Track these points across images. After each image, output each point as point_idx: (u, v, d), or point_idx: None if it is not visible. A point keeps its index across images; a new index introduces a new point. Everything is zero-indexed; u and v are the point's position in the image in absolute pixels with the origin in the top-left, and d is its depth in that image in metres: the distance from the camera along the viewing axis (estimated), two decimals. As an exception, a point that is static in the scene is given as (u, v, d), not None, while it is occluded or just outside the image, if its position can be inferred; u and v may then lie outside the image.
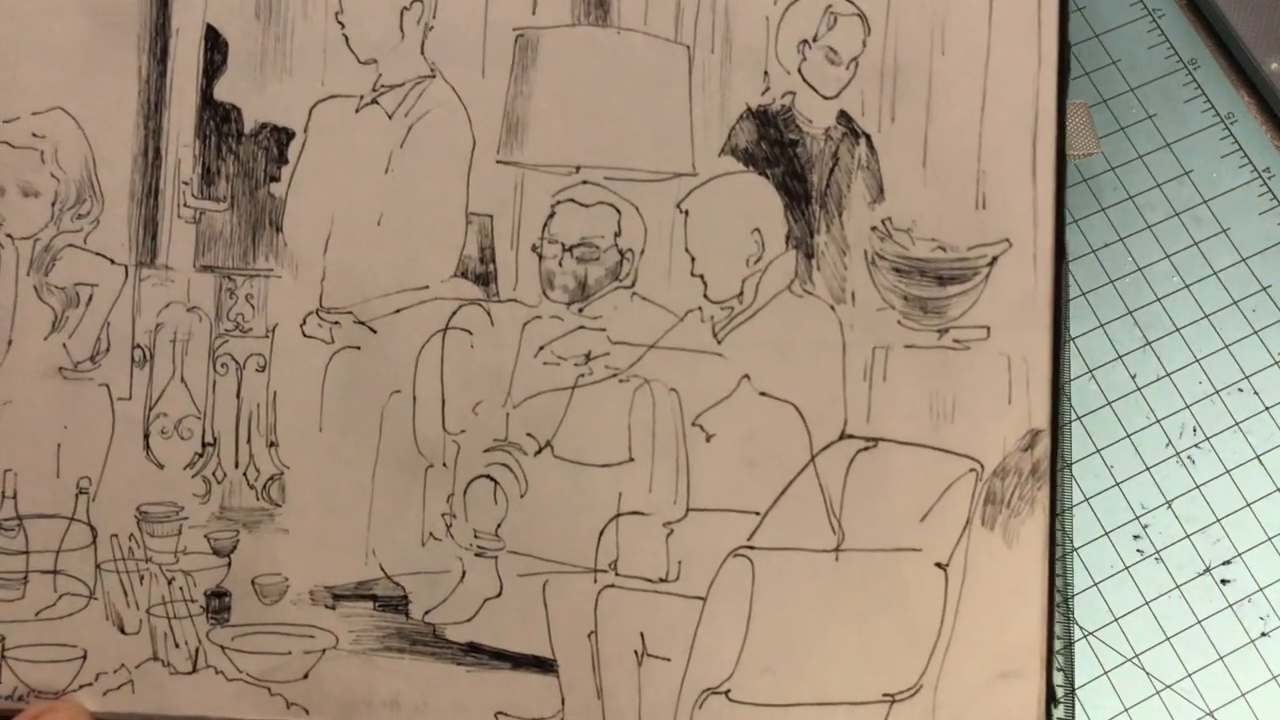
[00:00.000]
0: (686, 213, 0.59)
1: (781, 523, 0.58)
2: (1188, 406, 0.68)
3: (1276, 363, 0.68)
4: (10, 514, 0.58)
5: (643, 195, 0.59)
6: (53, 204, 0.59)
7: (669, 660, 0.58)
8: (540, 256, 0.59)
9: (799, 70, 0.59)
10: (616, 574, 0.58)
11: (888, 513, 0.58)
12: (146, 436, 0.59)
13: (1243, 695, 0.64)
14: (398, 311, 0.59)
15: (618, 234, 0.59)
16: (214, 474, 0.59)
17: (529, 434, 0.59)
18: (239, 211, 0.59)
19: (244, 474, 0.59)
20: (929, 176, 0.59)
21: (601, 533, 0.58)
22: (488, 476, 0.58)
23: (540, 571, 0.58)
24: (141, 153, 0.59)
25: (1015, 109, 0.59)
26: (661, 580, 0.58)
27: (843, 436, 0.58)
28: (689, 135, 0.59)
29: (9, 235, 0.59)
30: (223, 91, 0.59)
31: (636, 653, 0.58)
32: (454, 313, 0.59)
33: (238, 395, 0.59)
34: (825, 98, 0.59)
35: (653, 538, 0.58)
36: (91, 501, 0.59)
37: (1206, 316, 0.69)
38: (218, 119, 0.59)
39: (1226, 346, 0.68)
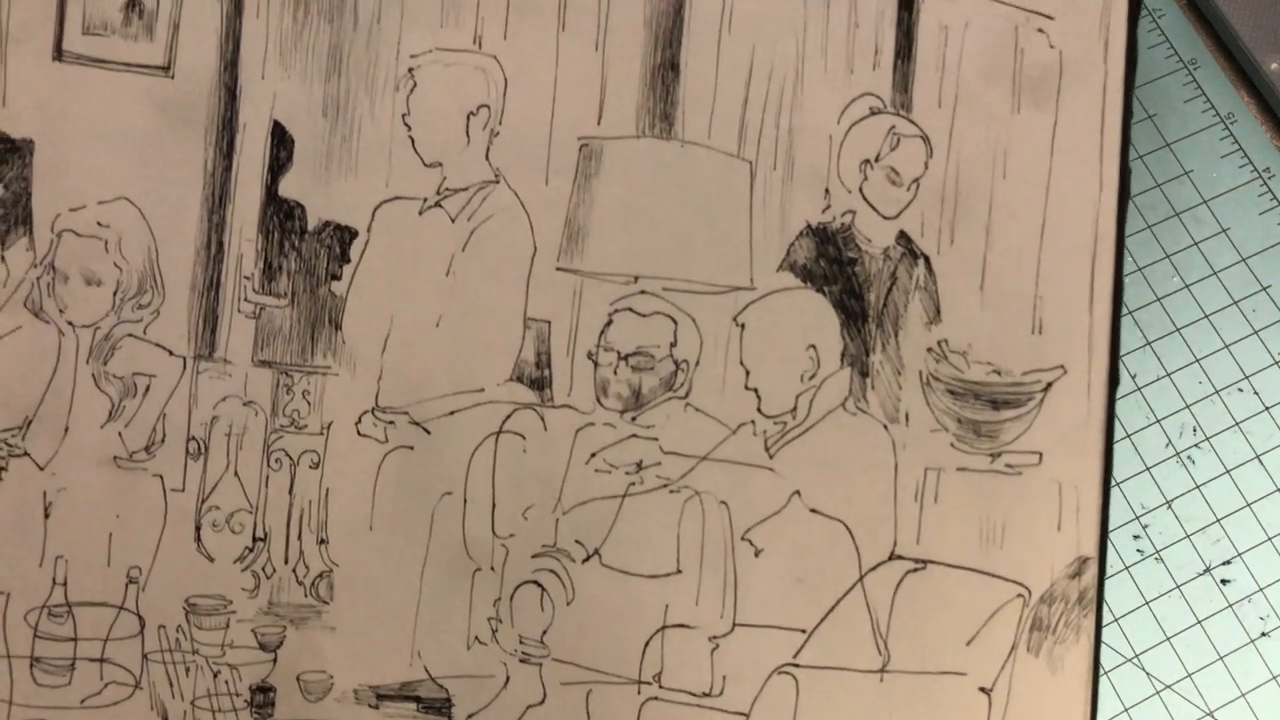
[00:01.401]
0: (743, 326, 0.59)
1: (827, 641, 0.58)
2: (1188, 406, 0.67)
3: (1276, 363, 0.68)
4: (60, 600, 0.59)
5: (700, 307, 0.59)
6: (114, 293, 0.60)
7: (710, 775, 0.58)
8: (596, 364, 0.59)
9: (860, 189, 0.59)
10: (660, 686, 0.58)
11: (934, 635, 0.58)
12: (198, 529, 0.59)
13: (1243, 695, 0.64)
14: (452, 413, 0.59)
15: (673, 344, 0.59)
16: (263, 569, 0.59)
17: (578, 541, 0.59)
18: (299, 308, 0.60)
19: (293, 570, 0.59)
20: (986, 300, 0.59)
21: (647, 644, 0.58)
22: (535, 582, 0.59)
23: (584, 680, 0.58)
24: (204, 246, 0.60)
25: (1075, 234, 0.59)
26: (705, 695, 0.58)
27: (892, 557, 0.58)
28: (748, 249, 0.59)
29: (70, 322, 0.60)
30: (287, 188, 0.60)
31: (678, 766, 0.58)
32: (508, 416, 0.59)
33: (290, 491, 0.59)
34: (885, 218, 0.59)
35: (698, 651, 0.58)
36: (141, 591, 0.59)
37: (1206, 316, 0.69)
38: (281, 215, 0.60)
39: (1226, 346, 0.68)
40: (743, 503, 0.59)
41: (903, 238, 0.59)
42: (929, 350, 0.59)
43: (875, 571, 0.58)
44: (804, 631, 0.58)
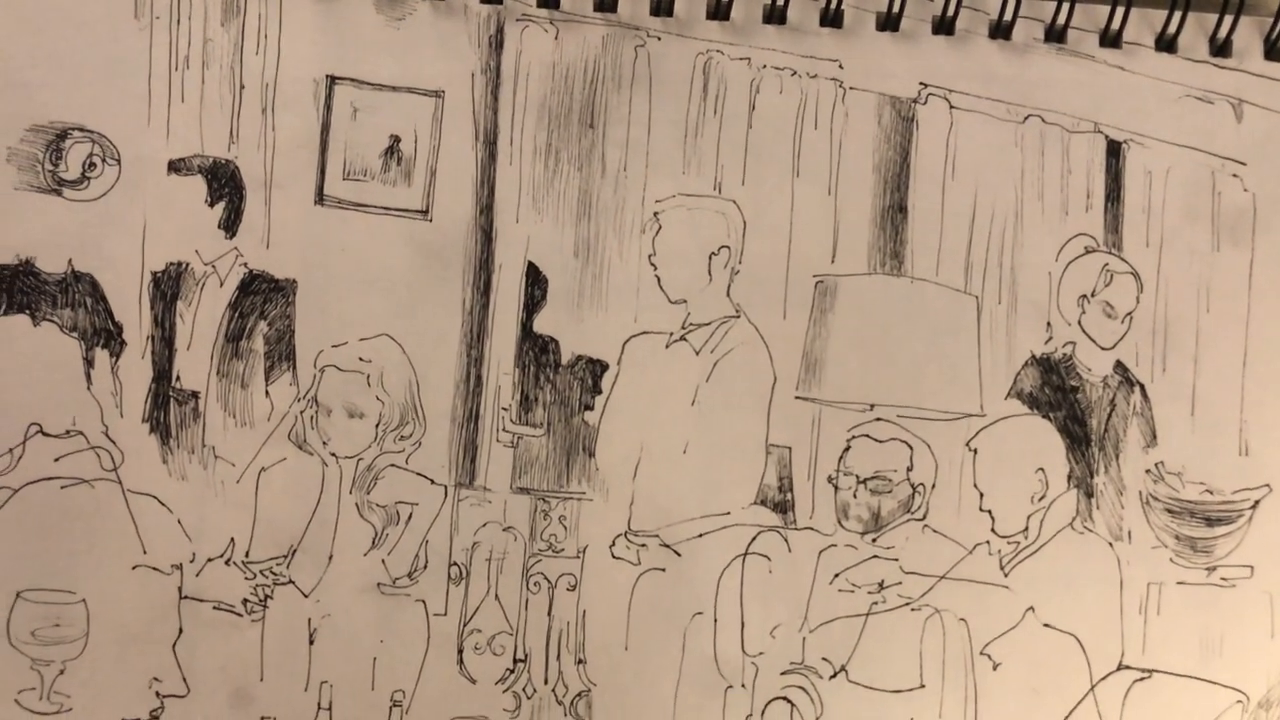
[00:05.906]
0: (975, 451, 0.63)
1: (1065, 750, 0.61)
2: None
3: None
4: (327, 725, 0.61)
5: (934, 433, 0.63)
6: (376, 425, 0.63)
7: None
8: (836, 488, 0.63)
9: (1079, 322, 0.64)
10: (910, 797, 0.61)
11: (1163, 742, 0.62)
12: (460, 652, 0.62)
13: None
14: (701, 536, 0.62)
15: (910, 469, 0.63)
16: (524, 689, 0.62)
17: (825, 658, 0.62)
18: (555, 437, 0.63)
19: (553, 690, 0.62)
20: (1197, 424, 0.63)
21: (895, 756, 0.61)
22: (785, 699, 0.62)
23: (837, 793, 0.61)
24: (464, 379, 0.63)
25: (1273, 362, 0.64)
26: (953, 804, 0.61)
27: (1120, 667, 0.62)
28: (977, 378, 0.63)
29: (333, 454, 0.62)
30: (542, 324, 0.63)
31: None
32: (753, 538, 0.62)
33: (549, 613, 0.62)
34: (1103, 348, 0.64)
35: (944, 762, 0.61)
36: (405, 715, 0.61)
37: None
38: (536, 349, 0.63)
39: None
40: (980, 619, 0.62)
41: (1119, 367, 0.64)
42: (1147, 472, 0.63)
43: (1105, 681, 0.62)
44: (1043, 741, 0.61)
